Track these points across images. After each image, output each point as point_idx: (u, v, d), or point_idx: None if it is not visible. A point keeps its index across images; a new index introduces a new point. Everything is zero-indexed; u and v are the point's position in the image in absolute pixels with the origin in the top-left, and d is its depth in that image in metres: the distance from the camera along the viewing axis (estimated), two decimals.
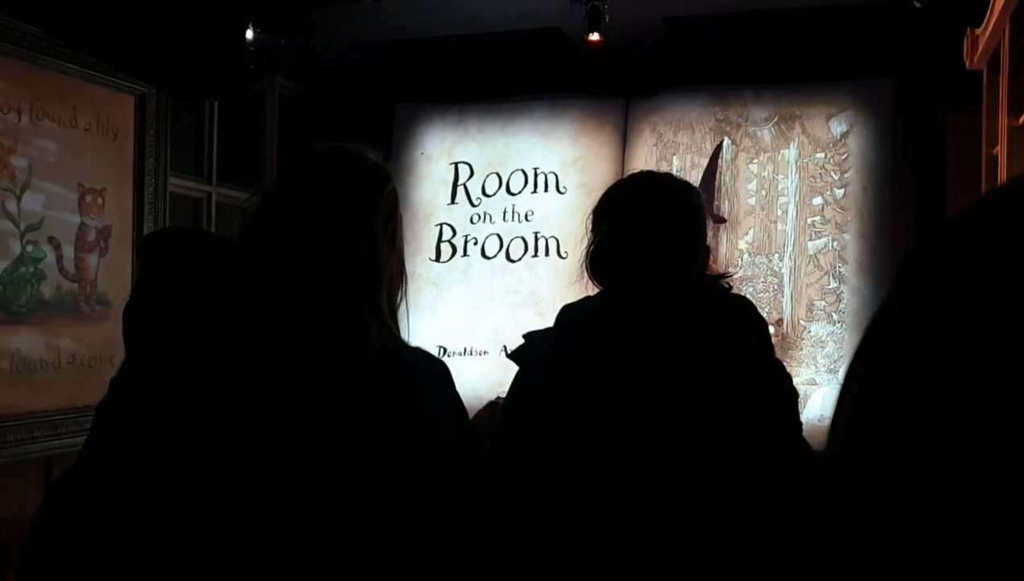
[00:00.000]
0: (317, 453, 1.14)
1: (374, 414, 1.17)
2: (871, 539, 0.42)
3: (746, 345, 1.58)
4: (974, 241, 0.44)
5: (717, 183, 4.09)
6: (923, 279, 0.46)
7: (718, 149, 4.10)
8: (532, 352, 1.71)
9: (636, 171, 1.93)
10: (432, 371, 1.28)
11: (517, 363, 1.73)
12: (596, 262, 1.70)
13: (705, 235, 1.72)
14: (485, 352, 4.23)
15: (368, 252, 1.26)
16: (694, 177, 4.11)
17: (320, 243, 1.23)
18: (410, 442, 1.18)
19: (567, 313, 1.70)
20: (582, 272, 1.73)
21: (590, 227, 1.74)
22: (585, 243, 1.74)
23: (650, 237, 1.63)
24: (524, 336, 1.74)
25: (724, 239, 4.07)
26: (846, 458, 0.45)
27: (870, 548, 0.41)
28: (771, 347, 1.67)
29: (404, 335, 1.33)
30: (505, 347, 3.94)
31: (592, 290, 1.73)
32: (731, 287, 1.72)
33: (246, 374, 1.16)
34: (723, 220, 4.04)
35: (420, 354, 1.30)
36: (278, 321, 1.18)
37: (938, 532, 0.39)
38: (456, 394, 1.29)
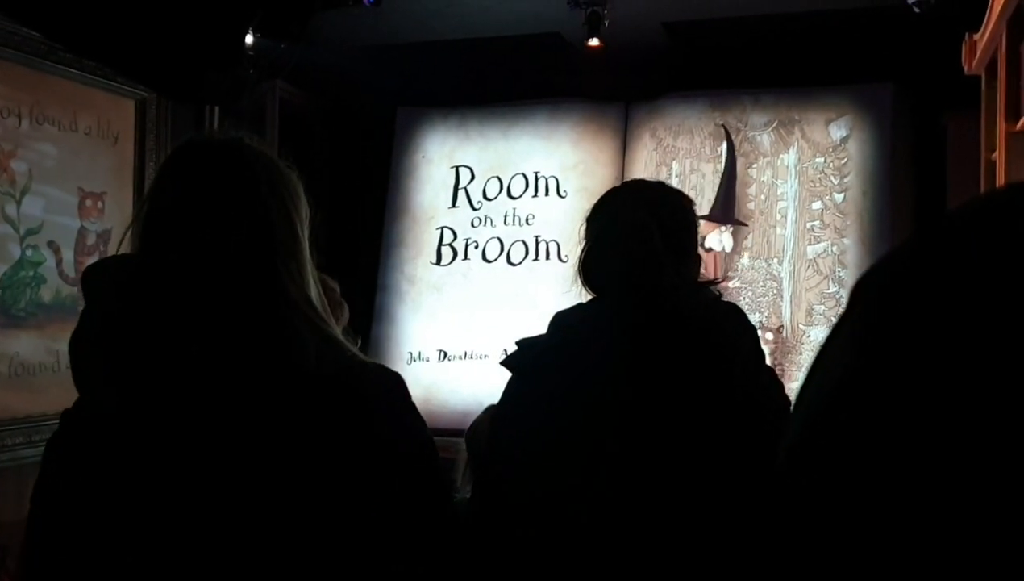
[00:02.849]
0: (279, 484, 1.11)
1: (332, 439, 1.13)
2: (822, 545, 0.42)
3: (735, 353, 1.59)
4: (947, 258, 0.43)
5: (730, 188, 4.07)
6: (891, 295, 0.45)
7: (731, 152, 4.07)
8: (525, 359, 1.72)
9: (630, 179, 1.93)
10: (386, 387, 1.21)
11: (510, 370, 1.74)
12: (588, 269, 1.70)
13: (696, 243, 1.72)
14: (486, 356, 4.23)
15: (291, 246, 1.17)
16: (694, 181, 4.12)
17: (239, 252, 1.15)
18: (375, 463, 1.14)
19: (559, 320, 1.71)
20: (576, 278, 1.74)
21: (583, 234, 1.75)
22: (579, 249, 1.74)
23: (641, 245, 1.63)
24: (517, 343, 1.75)
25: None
26: (802, 458, 0.45)
27: (824, 551, 0.41)
28: (761, 354, 1.68)
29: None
30: (506, 351, 3.94)
31: (586, 297, 1.73)
32: (721, 294, 1.72)
33: (191, 406, 1.13)
34: (743, 224, 4.02)
35: (372, 369, 1.23)
36: (215, 349, 1.14)
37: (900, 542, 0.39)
38: (413, 407, 1.23)
